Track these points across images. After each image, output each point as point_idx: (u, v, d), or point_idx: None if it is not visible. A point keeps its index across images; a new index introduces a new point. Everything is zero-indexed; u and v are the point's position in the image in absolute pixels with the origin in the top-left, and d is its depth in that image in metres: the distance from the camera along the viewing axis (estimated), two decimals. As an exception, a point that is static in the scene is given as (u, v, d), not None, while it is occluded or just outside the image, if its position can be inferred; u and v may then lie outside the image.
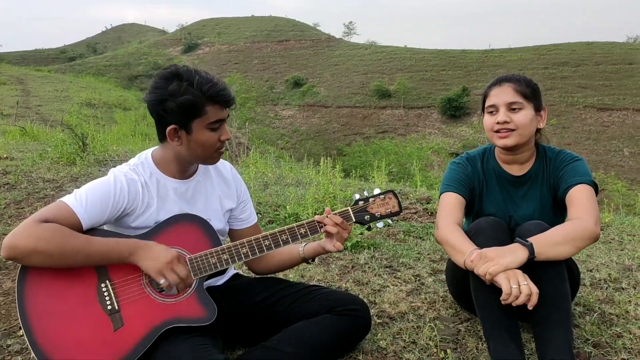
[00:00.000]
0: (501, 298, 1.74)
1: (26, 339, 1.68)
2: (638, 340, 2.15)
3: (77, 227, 1.76)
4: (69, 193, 4.34)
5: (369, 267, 2.93)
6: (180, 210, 1.98)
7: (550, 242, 1.82)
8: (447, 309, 2.45)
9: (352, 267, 2.97)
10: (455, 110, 42.17)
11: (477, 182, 2.25)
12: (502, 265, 1.75)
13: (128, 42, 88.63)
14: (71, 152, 6.04)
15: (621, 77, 43.85)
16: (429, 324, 2.27)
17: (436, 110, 43.58)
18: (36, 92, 23.77)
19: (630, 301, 2.53)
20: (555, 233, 1.86)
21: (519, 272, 1.75)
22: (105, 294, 1.77)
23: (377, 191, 2.13)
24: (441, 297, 2.57)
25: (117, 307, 1.76)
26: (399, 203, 2.13)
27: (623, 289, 2.70)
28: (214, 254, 1.92)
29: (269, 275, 2.30)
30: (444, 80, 47.56)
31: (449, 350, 2.07)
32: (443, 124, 42.37)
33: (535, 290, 1.71)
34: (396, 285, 2.70)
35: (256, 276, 2.30)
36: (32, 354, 2.05)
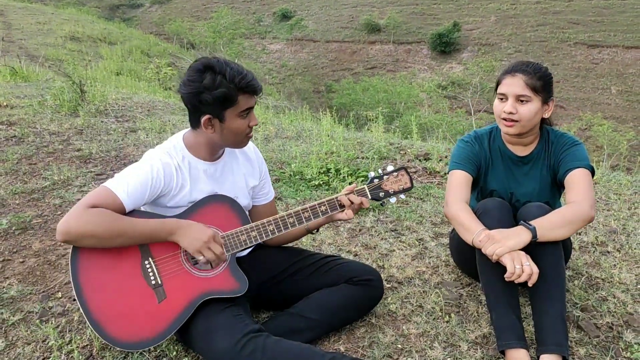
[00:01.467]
0: (505, 276, 1.95)
1: (81, 309, 1.87)
2: (621, 304, 2.41)
3: (121, 210, 1.93)
4: (77, 148, 4.44)
5: (375, 231, 3.15)
6: (210, 190, 2.15)
7: (550, 226, 2.02)
8: (449, 274, 2.68)
9: (360, 230, 3.18)
10: (445, 46, 41.60)
11: (484, 159, 2.43)
12: (508, 247, 1.96)
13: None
14: (70, 100, 6.08)
15: (613, 13, 43.29)
16: (434, 290, 2.51)
17: (426, 45, 42.97)
18: (18, 25, 23.08)
19: (615, 265, 2.78)
20: (555, 217, 2.05)
21: (522, 253, 1.96)
22: (149, 270, 1.96)
23: (390, 168, 2.30)
24: (443, 261, 2.81)
25: (160, 282, 1.96)
26: (411, 179, 2.31)
27: (609, 252, 2.95)
28: (244, 232, 2.11)
29: (288, 245, 2.50)
30: (435, 15, 46.62)
31: (452, 314, 2.31)
32: (433, 60, 41.94)
33: (535, 270, 1.93)
34: (402, 250, 2.93)
35: (276, 246, 2.50)
36: (76, 316, 2.27)
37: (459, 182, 2.35)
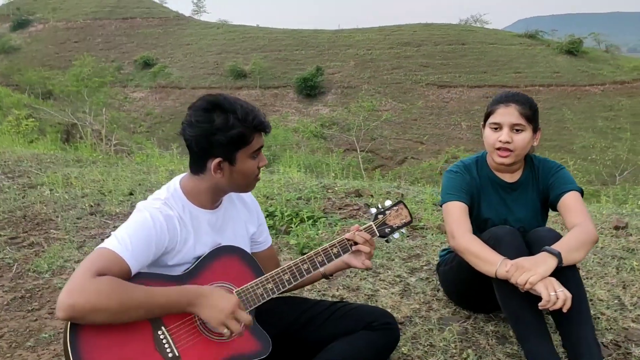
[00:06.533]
0: (540, 304, 1.91)
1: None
2: (613, 320, 2.48)
3: (127, 274, 1.64)
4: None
5: (351, 272, 3.01)
6: (213, 241, 1.93)
7: (570, 249, 2.03)
8: (444, 308, 2.61)
9: (334, 272, 3.02)
10: (311, 89, 43.15)
11: (475, 188, 2.42)
12: (540, 275, 1.92)
13: (-59, 17, 77.57)
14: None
15: (456, 57, 47.69)
16: (438, 326, 2.42)
17: (292, 89, 44.19)
18: None
19: (593, 284, 2.88)
20: (572, 240, 2.07)
21: (554, 279, 1.93)
22: (164, 341, 1.67)
23: (388, 203, 2.22)
24: (432, 297, 2.74)
25: (177, 354, 1.68)
26: (410, 213, 2.24)
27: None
28: (259, 285, 1.90)
29: (288, 295, 2.29)
30: (298, 60, 48.25)
31: (469, 350, 2.23)
32: (299, 104, 43.14)
33: (569, 295, 1.90)
34: (386, 289, 2.82)
35: (276, 296, 2.28)
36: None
37: (459, 213, 2.32)
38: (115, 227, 3.71)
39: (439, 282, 2.78)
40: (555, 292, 1.90)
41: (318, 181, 5.31)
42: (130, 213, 3.86)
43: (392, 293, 2.76)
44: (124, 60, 51.38)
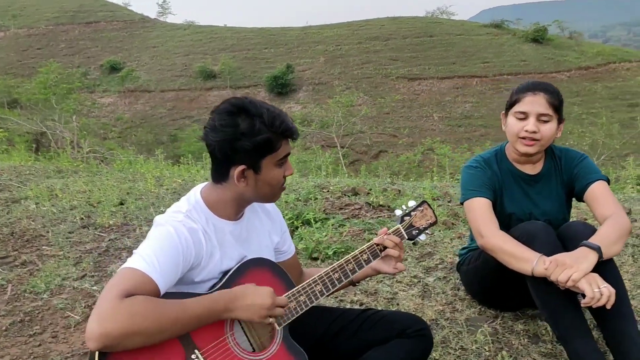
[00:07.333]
0: (584, 302, 1.84)
1: None
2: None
3: (156, 294, 1.52)
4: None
5: (366, 275, 2.91)
6: (239, 254, 1.81)
7: (609, 243, 1.96)
8: (469, 309, 2.53)
9: (347, 276, 2.92)
10: (282, 87, 42.96)
11: (497, 183, 2.34)
12: (582, 271, 1.85)
13: None
14: None
15: (425, 49, 47.95)
16: (467, 329, 2.34)
17: (263, 88, 43.92)
18: None
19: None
20: (608, 233, 2.00)
21: (597, 275, 1.86)
22: (198, 365, 1.55)
23: (412, 203, 2.14)
24: (453, 296, 2.66)
25: (212, 376, 1.56)
26: (434, 212, 2.15)
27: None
28: (292, 298, 1.80)
29: (314, 305, 2.19)
30: (267, 58, 47.95)
31: (504, 352, 2.15)
32: (271, 102, 42.22)
33: (613, 290, 1.83)
34: (404, 291, 2.73)
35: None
36: None
37: (484, 210, 2.24)
38: (111, 240, 3.59)
39: (459, 281, 2.71)
40: (599, 288, 1.83)
41: (313, 181, 5.20)
42: (124, 224, 3.75)
43: (412, 295, 2.67)
44: (90, 65, 50.33)
